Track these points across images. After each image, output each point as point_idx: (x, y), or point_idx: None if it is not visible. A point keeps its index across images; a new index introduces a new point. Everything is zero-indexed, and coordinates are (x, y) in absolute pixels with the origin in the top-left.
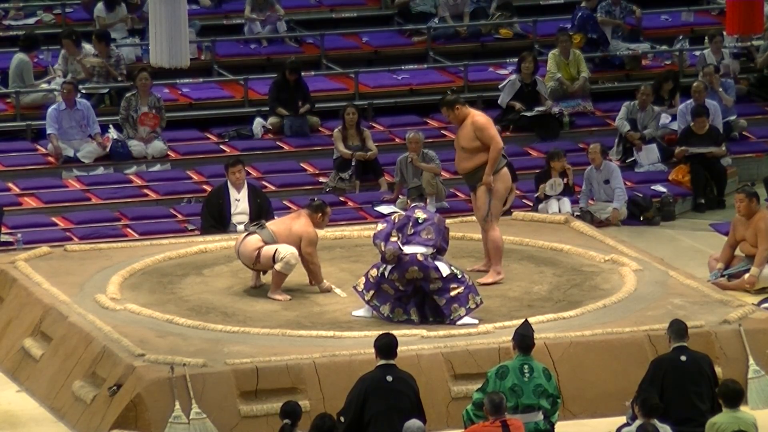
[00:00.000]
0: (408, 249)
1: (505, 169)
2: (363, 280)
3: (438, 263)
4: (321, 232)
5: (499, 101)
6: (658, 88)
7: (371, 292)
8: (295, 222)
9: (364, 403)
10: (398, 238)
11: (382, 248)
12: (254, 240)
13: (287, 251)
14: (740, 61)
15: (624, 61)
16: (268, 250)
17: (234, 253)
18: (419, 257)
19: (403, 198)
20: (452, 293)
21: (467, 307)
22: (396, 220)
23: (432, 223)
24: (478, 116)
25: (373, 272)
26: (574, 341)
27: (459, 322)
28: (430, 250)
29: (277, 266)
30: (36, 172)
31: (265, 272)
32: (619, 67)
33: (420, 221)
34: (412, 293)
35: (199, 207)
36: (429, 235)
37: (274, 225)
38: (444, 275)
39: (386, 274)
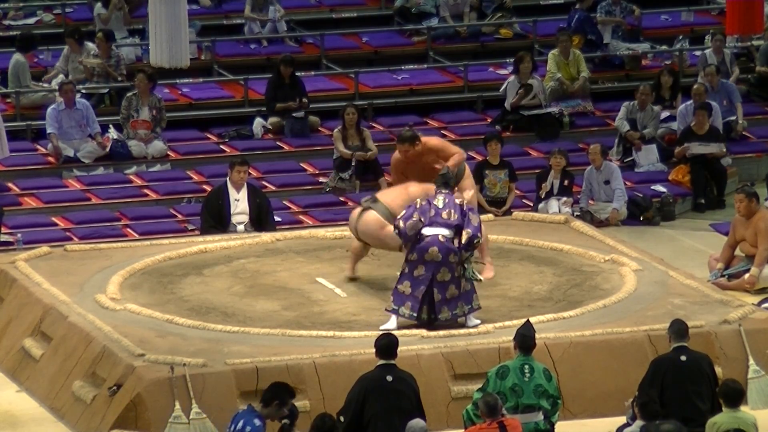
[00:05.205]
0: (429, 230)
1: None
2: (392, 297)
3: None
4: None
5: (506, 104)
6: (657, 86)
7: (391, 299)
8: (410, 187)
9: (364, 403)
10: (420, 220)
11: (401, 226)
12: (374, 217)
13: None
14: (740, 61)
15: (624, 61)
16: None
17: (350, 231)
18: (441, 239)
19: None
20: (457, 290)
21: (471, 306)
22: (418, 205)
23: (454, 206)
24: (430, 139)
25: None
26: (574, 341)
27: (460, 320)
28: (452, 232)
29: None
30: (36, 172)
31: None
32: (618, 67)
33: (441, 205)
34: (426, 289)
35: (199, 207)
36: (451, 216)
37: (386, 196)
38: (461, 261)
39: (407, 256)
